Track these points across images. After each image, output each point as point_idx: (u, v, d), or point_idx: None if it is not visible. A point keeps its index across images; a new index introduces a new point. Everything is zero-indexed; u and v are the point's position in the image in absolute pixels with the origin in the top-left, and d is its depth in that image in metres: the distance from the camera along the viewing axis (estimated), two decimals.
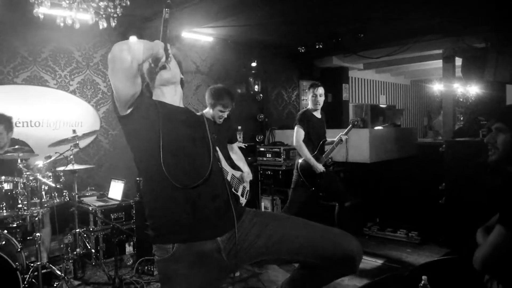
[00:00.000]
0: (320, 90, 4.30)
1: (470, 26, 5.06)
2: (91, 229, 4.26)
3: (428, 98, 11.93)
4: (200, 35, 5.68)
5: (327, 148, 4.37)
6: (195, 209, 1.62)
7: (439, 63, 7.23)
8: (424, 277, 2.62)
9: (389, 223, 5.21)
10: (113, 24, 3.34)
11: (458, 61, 6.65)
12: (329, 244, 1.61)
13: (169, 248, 1.60)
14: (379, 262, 4.28)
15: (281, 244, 1.64)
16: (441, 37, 5.90)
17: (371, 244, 4.88)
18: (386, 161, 5.81)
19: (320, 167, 4.14)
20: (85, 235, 4.14)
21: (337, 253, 1.58)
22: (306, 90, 4.46)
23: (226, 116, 3.53)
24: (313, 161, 4.14)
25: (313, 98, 4.30)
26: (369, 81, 9.71)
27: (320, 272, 1.69)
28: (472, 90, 8.82)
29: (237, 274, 3.94)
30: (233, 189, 3.43)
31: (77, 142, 3.72)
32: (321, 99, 4.31)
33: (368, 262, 4.26)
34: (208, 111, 3.55)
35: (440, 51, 6.66)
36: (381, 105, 10.04)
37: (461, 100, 8.94)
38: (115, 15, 3.26)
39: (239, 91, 6.36)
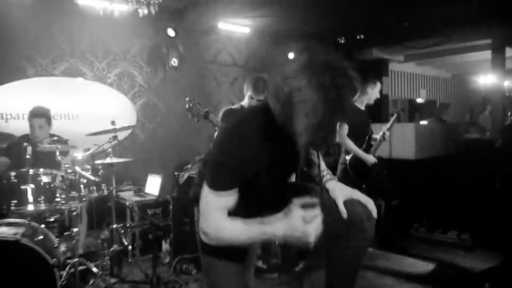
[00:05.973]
0: None
1: None
2: (127, 225, 4.14)
3: (470, 92, 11.38)
4: (237, 26, 5.52)
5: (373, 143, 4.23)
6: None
7: (486, 54, 6.82)
8: (487, 285, 2.36)
9: (438, 223, 4.89)
10: (153, 11, 3.21)
11: (509, 52, 6.26)
12: None
13: None
14: (431, 266, 3.98)
15: None
16: (490, 24, 5.50)
17: (421, 246, 4.57)
18: (432, 157, 5.49)
19: (371, 159, 4.05)
20: (122, 231, 4.02)
21: None
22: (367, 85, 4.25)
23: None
24: (362, 154, 4.01)
25: (378, 94, 4.18)
26: (409, 74, 9.31)
27: None
28: None
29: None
30: None
31: (116, 134, 3.59)
32: None
33: (420, 266, 3.98)
34: (245, 102, 3.43)
35: (488, 41, 6.25)
36: (417, 100, 9.63)
37: (506, 94, 8.43)
38: (156, 2, 3.13)
39: None
